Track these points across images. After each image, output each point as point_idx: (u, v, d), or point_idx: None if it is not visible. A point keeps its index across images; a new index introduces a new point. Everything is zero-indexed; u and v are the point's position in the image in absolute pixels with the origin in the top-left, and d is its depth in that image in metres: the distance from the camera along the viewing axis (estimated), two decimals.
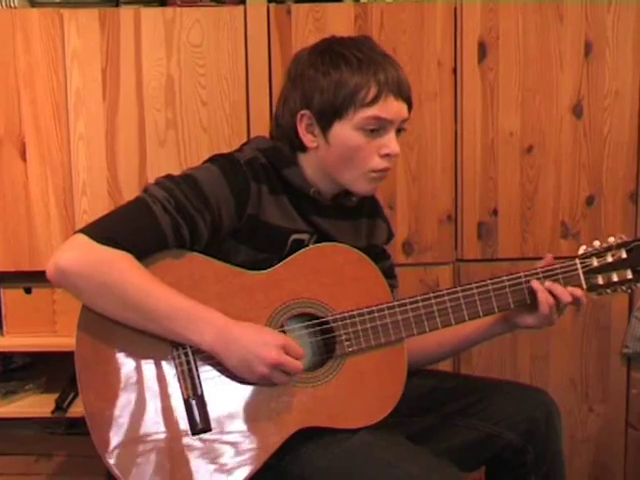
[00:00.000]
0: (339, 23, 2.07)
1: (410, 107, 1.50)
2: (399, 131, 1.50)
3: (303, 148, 1.51)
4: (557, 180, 2.16)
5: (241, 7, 2.09)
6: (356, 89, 1.43)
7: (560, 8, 2.09)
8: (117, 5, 2.14)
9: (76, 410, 2.13)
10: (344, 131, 1.46)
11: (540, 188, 2.16)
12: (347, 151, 1.47)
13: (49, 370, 2.33)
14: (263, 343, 1.37)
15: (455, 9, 2.10)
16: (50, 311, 2.19)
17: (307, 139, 1.49)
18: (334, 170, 1.51)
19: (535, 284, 1.50)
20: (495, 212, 2.17)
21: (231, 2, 2.14)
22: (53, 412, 2.14)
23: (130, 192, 2.06)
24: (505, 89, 2.12)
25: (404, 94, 1.48)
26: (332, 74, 1.44)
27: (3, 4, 2.14)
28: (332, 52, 1.47)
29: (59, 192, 2.13)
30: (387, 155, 1.48)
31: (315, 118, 1.47)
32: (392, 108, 1.45)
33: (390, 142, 1.47)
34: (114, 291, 1.36)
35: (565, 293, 1.50)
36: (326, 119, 1.46)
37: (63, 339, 2.10)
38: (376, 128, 1.46)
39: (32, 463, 2.31)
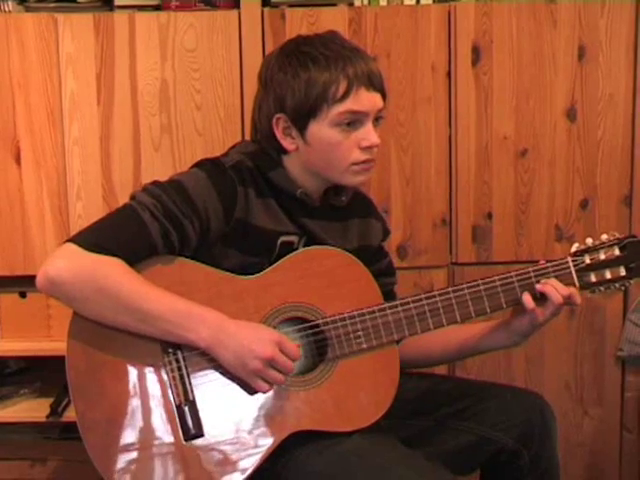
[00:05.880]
0: (333, 27, 2.00)
1: (384, 97, 1.50)
2: (377, 121, 1.50)
3: (284, 151, 1.51)
4: (551, 183, 2.16)
5: (235, 11, 2.09)
6: (326, 86, 1.44)
7: (553, 12, 2.09)
8: (111, 10, 2.14)
9: (71, 415, 2.11)
10: (321, 129, 1.46)
11: (534, 191, 2.16)
12: (327, 148, 1.47)
13: (44, 375, 2.33)
14: (258, 339, 1.38)
15: (449, 13, 2.10)
16: (45, 315, 2.18)
17: (286, 142, 1.50)
18: (318, 169, 1.51)
19: (539, 286, 1.49)
20: (489, 215, 2.17)
21: (225, 6, 2.14)
22: (48, 417, 2.14)
23: (125, 196, 2.01)
24: (499, 93, 2.13)
25: (376, 85, 1.48)
26: (301, 74, 1.45)
27: None
28: (299, 52, 1.47)
29: (54, 196, 2.13)
30: (368, 147, 1.48)
31: (290, 120, 1.48)
32: (365, 100, 1.45)
33: (368, 134, 1.47)
34: (107, 295, 1.36)
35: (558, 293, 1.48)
36: (301, 120, 1.47)
37: (58, 344, 2.04)
38: (352, 121, 1.46)
39: (27, 468, 2.30)
